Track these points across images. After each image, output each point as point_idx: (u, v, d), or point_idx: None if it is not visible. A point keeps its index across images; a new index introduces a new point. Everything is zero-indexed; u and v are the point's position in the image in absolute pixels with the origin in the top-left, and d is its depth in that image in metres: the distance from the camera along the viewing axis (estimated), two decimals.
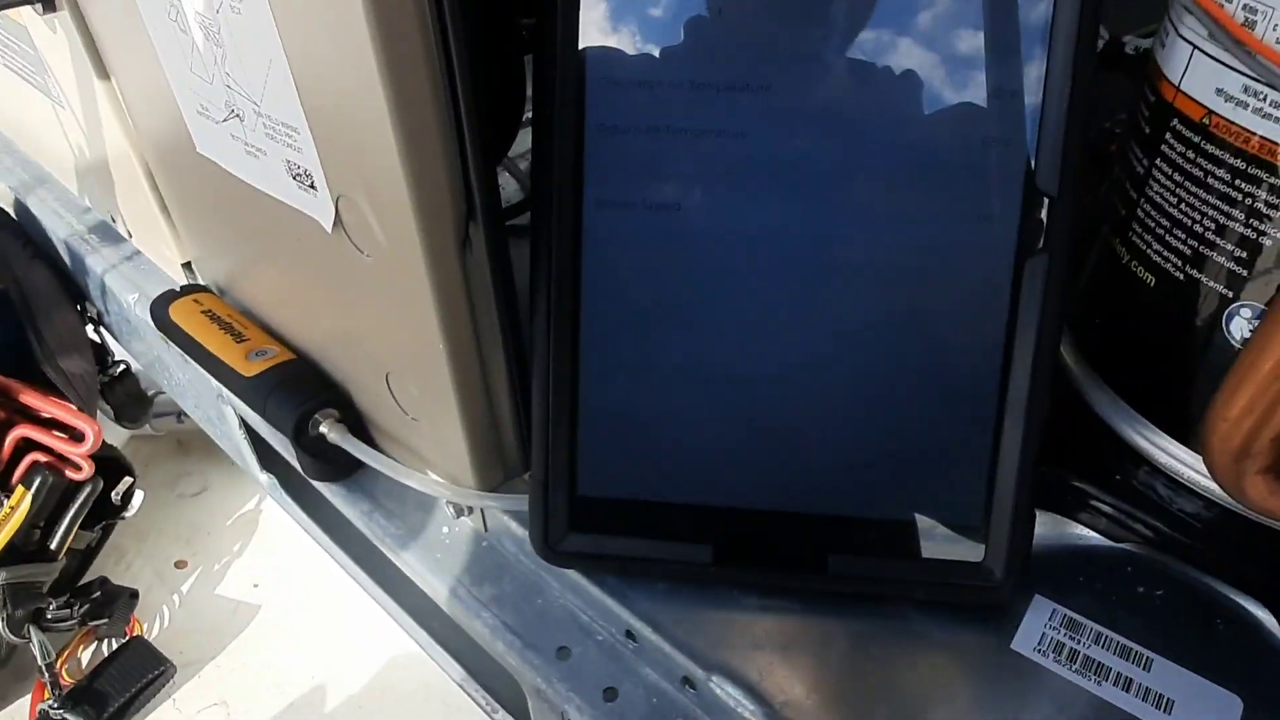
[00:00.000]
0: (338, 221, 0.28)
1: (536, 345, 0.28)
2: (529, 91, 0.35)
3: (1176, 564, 0.28)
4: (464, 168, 0.25)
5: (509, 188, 0.47)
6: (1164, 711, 0.25)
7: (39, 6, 0.37)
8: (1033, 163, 0.25)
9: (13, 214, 0.58)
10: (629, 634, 0.29)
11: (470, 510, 0.34)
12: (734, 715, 0.27)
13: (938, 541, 0.28)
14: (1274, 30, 0.20)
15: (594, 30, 0.26)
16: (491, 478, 0.32)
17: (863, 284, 0.26)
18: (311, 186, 0.28)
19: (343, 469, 0.37)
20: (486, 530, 0.34)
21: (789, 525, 0.28)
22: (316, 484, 0.37)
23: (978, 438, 0.27)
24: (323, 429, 0.35)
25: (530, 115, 0.29)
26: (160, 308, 0.40)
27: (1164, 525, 0.27)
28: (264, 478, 0.46)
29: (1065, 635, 0.27)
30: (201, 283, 0.43)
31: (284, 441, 0.36)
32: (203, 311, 0.40)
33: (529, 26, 0.35)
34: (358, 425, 0.36)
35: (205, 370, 0.38)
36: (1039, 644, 0.27)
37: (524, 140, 0.33)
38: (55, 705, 0.54)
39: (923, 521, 0.28)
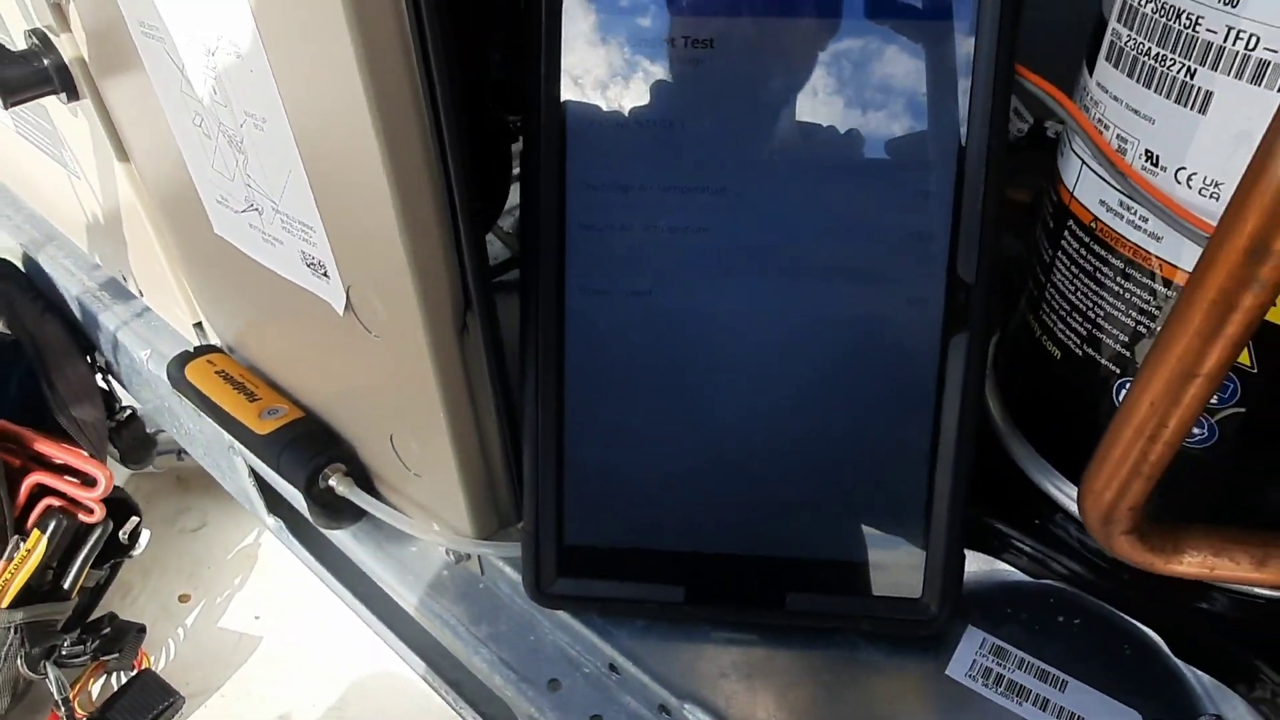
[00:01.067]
0: (348, 305, 0.32)
1: (526, 411, 0.31)
2: (513, 168, 0.39)
3: (1091, 599, 0.32)
4: (461, 266, 0.28)
5: (494, 247, 0.51)
6: None
7: (63, 95, 0.40)
8: (954, 255, 0.29)
9: (20, 268, 0.62)
10: (612, 667, 0.33)
11: (468, 556, 0.37)
12: None
13: (880, 580, 0.31)
14: (1140, 158, 0.25)
15: (577, 140, 0.29)
16: (487, 526, 0.35)
17: (809, 357, 0.30)
18: (325, 275, 0.32)
19: (349, 517, 0.40)
20: (483, 573, 0.37)
21: (751, 567, 0.32)
22: (325, 531, 0.41)
23: (913, 489, 0.31)
24: (331, 482, 0.38)
25: (517, 201, 0.33)
26: (176, 369, 0.43)
27: (1075, 564, 0.31)
28: (271, 521, 0.49)
29: (993, 661, 0.31)
30: (213, 342, 0.47)
31: (294, 492, 0.39)
32: (216, 372, 0.43)
33: (515, 121, 0.39)
34: (363, 478, 0.39)
35: (221, 427, 0.41)
36: (970, 669, 0.31)
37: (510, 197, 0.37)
38: None
39: (868, 562, 0.32)
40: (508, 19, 0.33)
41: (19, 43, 0.40)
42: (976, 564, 0.33)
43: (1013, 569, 0.33)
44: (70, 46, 0.38)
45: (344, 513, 0.40)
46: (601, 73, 0.29)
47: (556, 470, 0.32)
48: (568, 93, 0.29)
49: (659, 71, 0.29)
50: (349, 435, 0.39)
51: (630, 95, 0.29)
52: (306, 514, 0.40)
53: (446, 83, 0.25)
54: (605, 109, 0.29)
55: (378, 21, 0.23)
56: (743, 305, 0.30)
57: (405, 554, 0.39)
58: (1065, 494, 0.31)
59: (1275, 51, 0.20)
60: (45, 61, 0.39)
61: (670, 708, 0.31)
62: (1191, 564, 0.22)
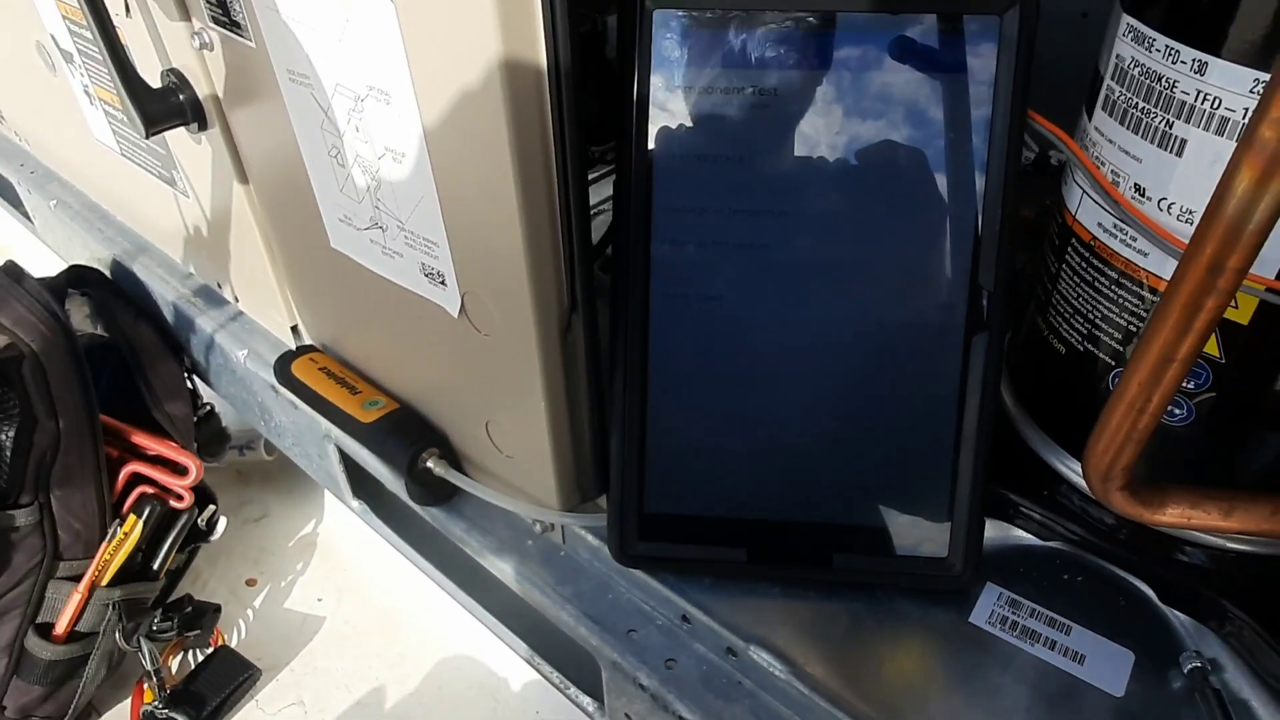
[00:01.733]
0: (462, 310, 0.37)
1: (615, 398, 0.37)
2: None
3: (1091, 558, 0.38)
4: (571, 271, 0.34)
5: None
6: (1078, 663, 0.35)
7: (193, 126, 0.46)
8: (976, 266, 0.35)
9: (109, 276, 0.67)
10: (684, 618, 0.39)
11: (553, 526, 0.43)
12: (767, 674, 0.36)
13: (913, 543, 0.37)
14: (1130, 189, 0.30)
15: (662, 170, 0.35)
16: (571, 500, 0.41)
17: (854, 354, 0.36)
18: (442, 284, 0.38)
19: (443, 497, 0.46)
20: (564, 542, 0.43)
21: (804, 532, 0.38)
22: (420, 508, 0.46)
23: (941, 465, 0.37)
24: (429, 464, 0.44)
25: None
26: (283, 365, 0.49)
27: (1077, 528, 0.37)
28: (356, 504, 0.55)
29: (1008, 611, 0.37)
30: (309, 342, 0.52)
31: (393, 474, 0.45)
32: (319, 369, 0.49)
33: (595, 151, 0.44)
34: (455, 461, 0.45)
35: (325, 418, 0.47)
36: (989, 618, 0.37)
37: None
38: (161, 706, 0.62)
39: (902, 528, 0.37)
40: (594, 59, 0.39)
41: (155, 80, 0.46)
42: (994, 530, 0.39)
43: (1025, 534, 0.39)
44: (206, 84, 0.44)
45: (438, 491, 0.45)
46: (683, 114, 0.35)
47: (639, 449, 0.38)
48: (655, 129, 0.35)
49: (731, 113, 0.35)
50: (443, 423, 0.45)
51: (706, 132, 0.35)
52: (404, 494, 0.46)
53: (574, 120, 0.30)
54: (685, 144, 0.35)
55: (523, 77, 0.29)
56: (798, 309, 0.36)
57: (494, 528, 0.45)
58: (1069, 468, 0.37)
59: (1234, 111, 0.26)
60: (181, 97, 0.45)
61: (737, 649, 0.37)
62: (1173, 514, 0.28)
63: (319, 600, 0.73)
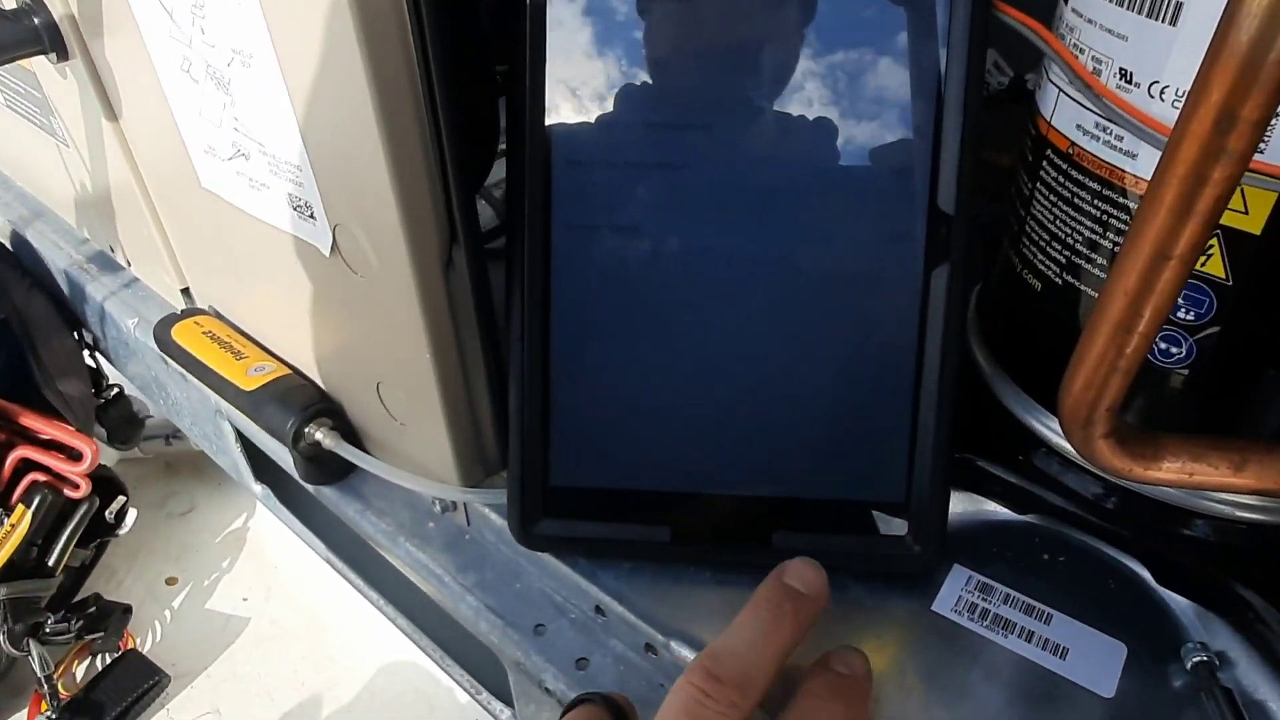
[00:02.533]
0: (334, 247, 0.32)
1: (512, 352, 0.31)
2: (502, 127, 0.39)
3: (1076, 533, 0.32)
4: (447, 197, 0.28)
5: (485, 214, 0.51)
6: (1060, 658, 0.29)
7: (52, 56, 0.41)
8: (934, 188, 0.29)
9: (9, 246, 0.61)
10: (598, 609, 0.33)
11: (454, 505, 0.37)
12: None
13: (867, 519, 0.32)
14: (1114, 77, 0.25)
15: (560, 76, 0.30)
16: (473, 475, 0.35)
17: (793, 294, 0.31)
18: (311, 216, 0.32)
19: (335, 473, 0.40)
20: (469, 524, 0.37)
21: (737, 507, 0.32)
22: (310, 487, 0.41)
23: (898, 426, 0.31)
24: (318, 436, 0.38)
25: (504, 149, 0.33)
26: (163, 330, 0.43)
27: (1058, 498, 0.32)
28: (258, 488, 0.49)
29: (978, 597, 0.31)
30: (200, 306, 0.47)
31: (281, 449, 0.39)
32: (204, 333, 0.43)
33: (502, 72, 0.39)
34: (349, 433, 0.39)
35: (207, 386, 0.41)
36: (956, 605, 0.31)
37: (498, 171, 0.37)
38: (54, 717, 0.56)
39: (853, 501, 0.32)
40: None
41: (8, 2, 0.40)
42: (963, 504, 0.34)
43: (999, 508, 0.33)
44: (60, 4, 0.39)
45: (330, 467, 0.40)
46: (585, 14, 0.29)
47: (542, 410, 0.32)
48: (553, 32, 0.30)
49: (646, 8, 0.29)
50: (336, 390, 0.39)
51: (615, 32, 0.30)
52: (293, 471, 0.40)
53: (434, 13, 0.25)
54: (589, 47, 0.30)
55: None
56: (727, 242, 0.31)
57: (393, 509, 0.39)
58: (1049, 428, 0.31)
59: None
60: (36, 20, 0.39)
61: (656, 646, 0.31)
62: (1170, 470, 0.23)
63: (244, 600, 0.67)
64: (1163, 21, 0.23)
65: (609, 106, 0.30)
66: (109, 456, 0.73)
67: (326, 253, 0.32)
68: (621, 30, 0.30)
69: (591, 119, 0.30)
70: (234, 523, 0.74)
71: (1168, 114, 0.24)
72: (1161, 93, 0.24)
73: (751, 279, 0.31)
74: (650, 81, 0.30)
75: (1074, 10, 0.26)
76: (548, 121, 0.30)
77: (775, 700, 0.26)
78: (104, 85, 0.41)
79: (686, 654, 0.30)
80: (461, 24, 0.34)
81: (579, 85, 0.30)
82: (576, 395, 0.32)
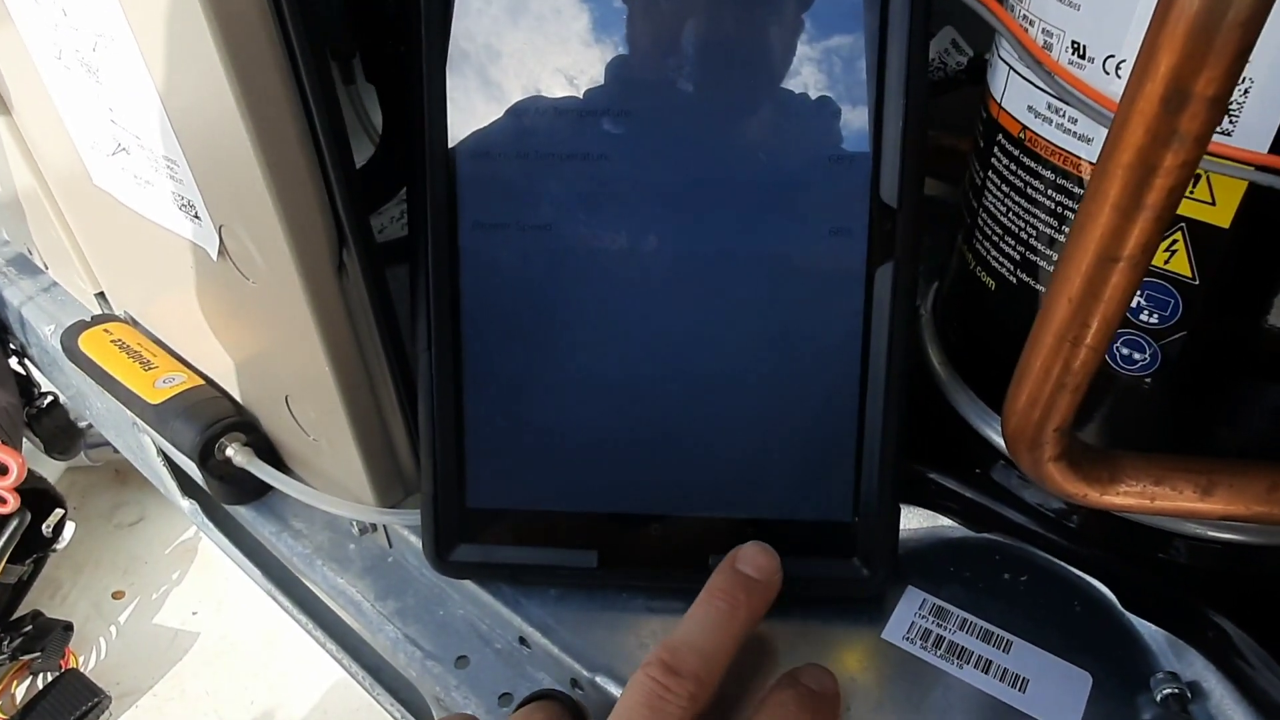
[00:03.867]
0: (222, 250, 0.29)
1: (420, 361, 0.29)
2: None
3: (1037, 552, 0.30)
4: (330, 195, 0.26)
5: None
6: (1019, 690, 0.27)
7: None
8: (876, 179, 0.26)
9: None
10: (522, 640, 0.30)
11: (374, 527, 0.34)
12: None
13: (812, 539, 0.29)
14: (1066, 52, 0.22)
15: (460, 58, 0.27)
16: (391, 495, 0.33)
17: (725, 297, 0.28)
18: (196, 216, 0.29)
19: (252, 492, 0.37)
20: (390, 546, 0.35)
21: (670, 529, 0.30)
22: (227, 508, 0.38)
23: (842, 439, 0.28)
24: (229, 452, 0.35)
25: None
26: (70, 338, 0.41)
27: (1018, 515, 0.29)
28: (185, 504, 0.46)
29: (932, 623, 0.29)
30: (115, 313, 0.44)
31: (195, 466, 0.36)
32: (112, 341, 0.40)
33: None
34: (266, 448, 0.36)
35: (115, 398, 0.38)
36: (908, 632, 0.29)
37: None
38: None
39: (795, 521, 0.29)
40: None
41: None
42: (916, 520, 0.31)
43: (955, 524, 0.31)
44: None
45: (245, 486, 0.37)
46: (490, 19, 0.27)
47: (455, 426, 0.29)
48: (455, 10, 0.27)
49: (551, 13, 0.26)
50: (249, 402, 0.36)
51: (518, 10, 0.27)
52: (206, 488, 0.37)
53: (307, 47, 0.22)
54: (491, 25, 0.27)
55: None
56: (652, 240, 0.28)
57: (311, 530, 0.36)
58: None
59: None
60: None
61: (582, 682, 0.28)
62: (1129, 494, 0.20)
63: (194, 614, 0.65)
64: None
65: (518, 91, 0.27)
66: (56, 466, 0.70)
67: (214, 256, 0.29)
68: (535, 3, 0.27)
69: (500, 106, 0.27)
70: (185, 533, 0.71)
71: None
72: (1118, 68, 0.21)
73: (681, 281, 0.28)
74: (565, 64, 0.27)
75: None
76: (450, 108, 0.27)
77: (731, 705, 0.26)
78: None
79: (613, 691, 0.28)
80: (366, 11, 0.31)
81: (485, 66, 0.27)
82: (492, 410, 0.29)
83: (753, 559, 0.26)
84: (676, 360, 0.29)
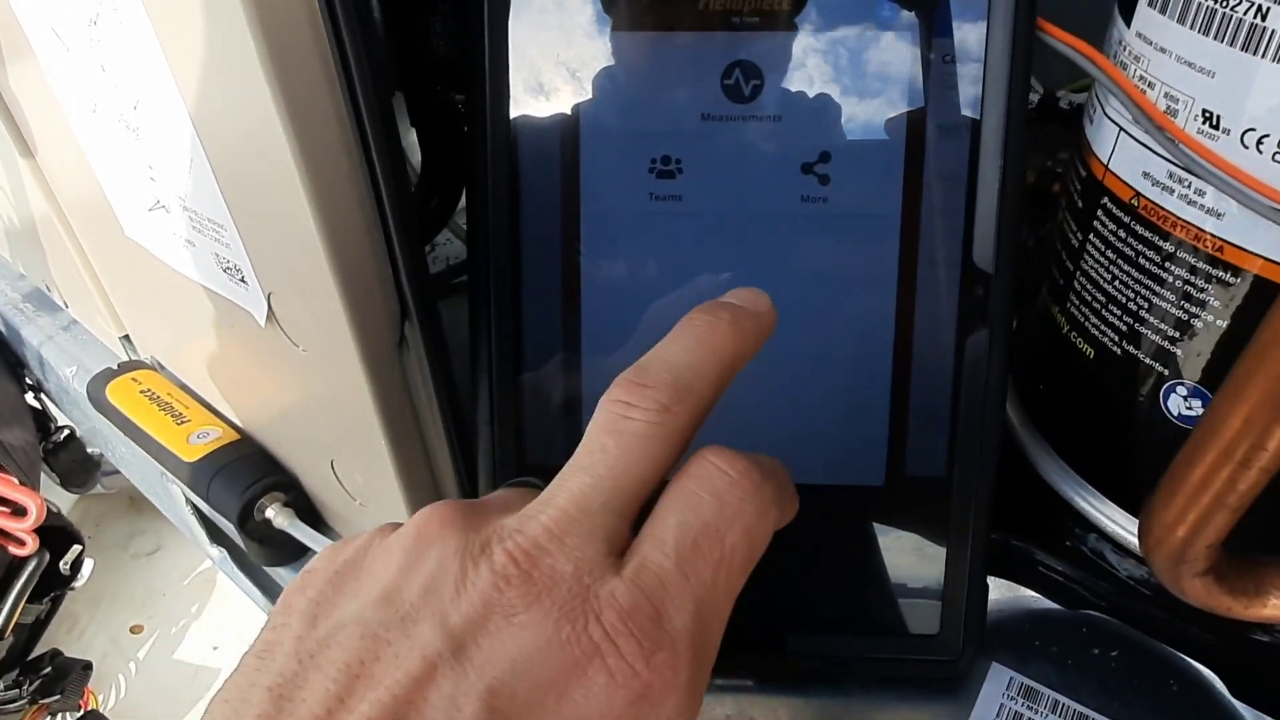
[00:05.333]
0: (270, 315, 0.27)
1: (481, 431, 0.27)
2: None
3: (1126, 626, 0.28)
4: (394, 267, 0.24)
5: (456, 245, 0.46)
6: None
7: None
8: (969, 242, 0.25)
9: None
10: None
11: None
12: None
13: (893, 615, 0.27)
14: (1195, 120, 0.21)
15: (524, 100, 0.25)
16: None
17: (813, 362, 0.26)
18: (242, 281, 0.27)
19: (291, 554, 0.36)
20: None
21: (745, 603, 0.28)
22: (268, 569, 0.36)
23: (930, 513, 0.27)
24: (269, 513, 0.34)
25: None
26: (98, 388, 0.39)
27: (1114, 591, 0.28)
28: (215, 552, 0.44)
29: (1022, 705, 0.27)
30: (141, 357, 0.42)
31: (231, 526, 0.35)
32: (141, 391, 0.38)
33: (463, 101, 0.34)
34: (306, 507, 0.35)
35: (146, 453, 0.37)
36: (997, 715, 0.27)
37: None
38: None
39: (877, 595, 0.28)
40: None
41: None
42: (999, 591, 0.30)
43: (1040, 596, 0.29)
44: None
45: (285, 547, 0.35)
46: (551, 28, 0.25)
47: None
48: (515, 51, 0.25)
49: (616, 32, 0.25)
50: (289, 460, 0.35)
51: (585, 56, 0.25)
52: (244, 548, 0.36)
53: (363, 57, 0.21)
54: (556, 66, 0.25)
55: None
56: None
57: None
58: (1099, 510, 0.27)
59: None
60: None
61: None
62: (1277, 606, 0.18)
63: (214, 649, 0.63)
64: (1260, 55, 0.19)
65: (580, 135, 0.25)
66: (69, 495, 0.68)
67: (262, 322, 0.28)
68: (591, 53, 0.25)
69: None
70: (204, 563, 0.69)
71: (1270, 169, 0.19)
72: (1259, 143, 0.19)
73: (768, 352, 0.26)
74: (627, 111, 0.25)
75: (1140, 35, 0.22)
76: (514, 155, 0.25)
77: None
78: (16, 120, 0.36)
79: None
80: (410, 52, 0.30)
81: (545, 111, 0.25)
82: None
83: (738, 294, 0.21)
84: (754, 426, 0.27)
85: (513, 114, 0.25)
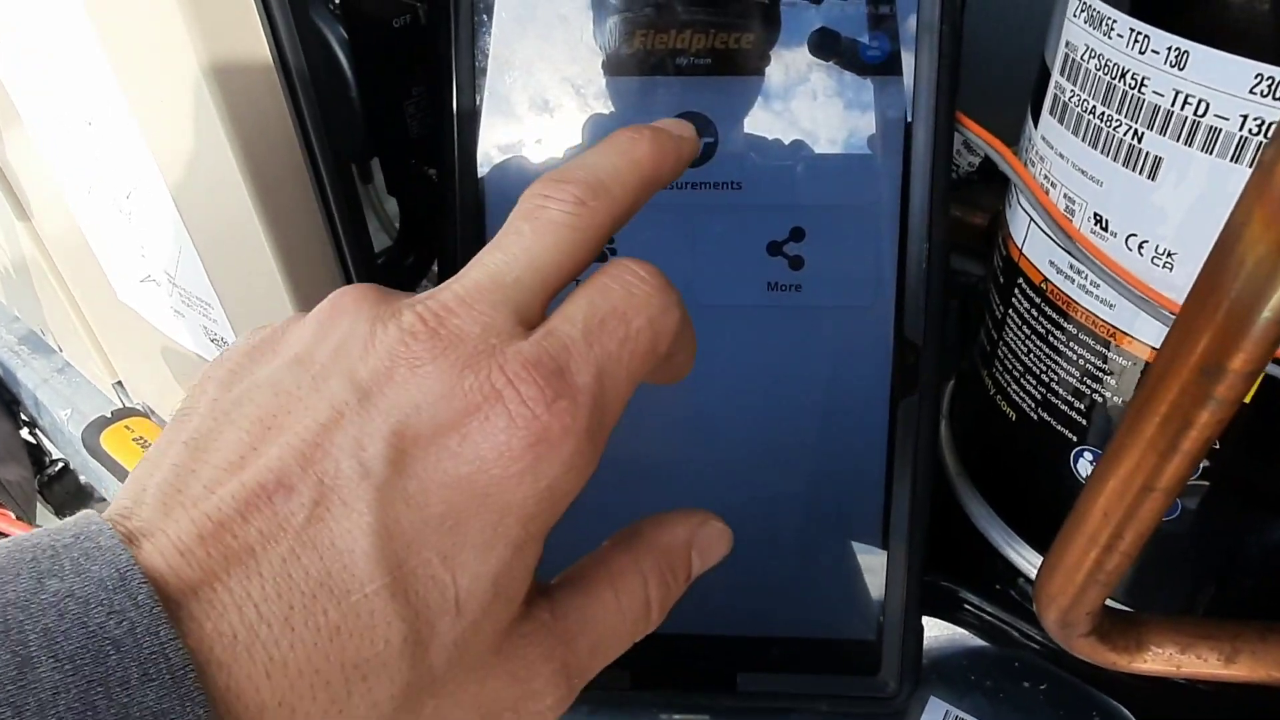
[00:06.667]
0: None
1: None
2: None
3: (1057, 669, 0.31)
4: None
5: None
6: None
7: None
8: (900, 318, 0.27)
9: None
10: None
11: None
12: None
13: (836, 656, 0.30)
14: (1089, 221, 0.23)
15: (498, 197, 0.27)
16: None
17: (756, 426, 0.29)
18: None
19: None
20: None
21: (700, 647, 0.30)
22: None
23: (867, 560, 0.29)
24: None
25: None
26: (92, 436, 0.41)
27: (1039, 634, 0.30)
28: None
29: None
30: (133, 404, 0.44)
31: None
32: (134, 439, 0.40)
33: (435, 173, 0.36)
34: None
35: None
36: None
37: None
38: None
39: (822, 639, 0.30)
40: (422, 70, 0.31)
41: None
42: (936, 629, 0.32)
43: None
44: None
45: None
46: (521, 127, 0.27)
47: None
48: (486, 142, 0.27)
49: (579, 117, 0.27)
50: None
51: (550, 145, 0.27)
52: None
53: (321, 127, 0.23)
54: (528, 164, 0.27)
55: (242, 82, 0.21)
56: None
57: None
58: (1025, 558, 0.30)
59: (1226, 119, 0.19)
60: None
61: None
62: (1156, 662, 0.21)
63: None
64: (1139, 173, 0.21)
65: None
66: None
67: None
68: (558, 139, 0.27)
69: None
70: None
71: (1149, 270, 0.22)
72: (1140, 247, 0.22)
73: (708, 407, 0.29)
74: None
75: (1044, 140, 0.24)
76: (481, 206, 0.28)
77: None
78: (13, 185, 0.38)
79: None
80: (386, 129, 0.32)
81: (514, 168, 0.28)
82: None
83: (664, 120, 0.21)
84: (706, 485, 0.29)
85: (482, 174, 0.27)
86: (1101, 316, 0.23)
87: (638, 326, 0.17)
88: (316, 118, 0.22)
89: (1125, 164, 0.21)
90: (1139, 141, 0.21)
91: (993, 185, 0.39)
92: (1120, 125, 0.21)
